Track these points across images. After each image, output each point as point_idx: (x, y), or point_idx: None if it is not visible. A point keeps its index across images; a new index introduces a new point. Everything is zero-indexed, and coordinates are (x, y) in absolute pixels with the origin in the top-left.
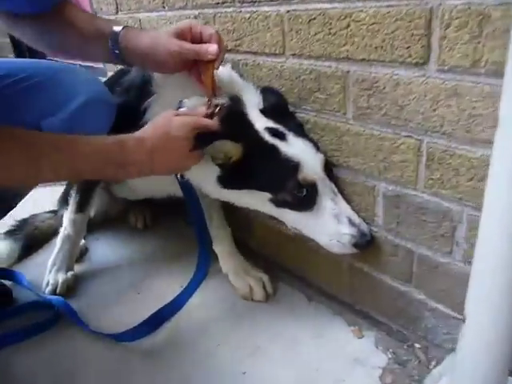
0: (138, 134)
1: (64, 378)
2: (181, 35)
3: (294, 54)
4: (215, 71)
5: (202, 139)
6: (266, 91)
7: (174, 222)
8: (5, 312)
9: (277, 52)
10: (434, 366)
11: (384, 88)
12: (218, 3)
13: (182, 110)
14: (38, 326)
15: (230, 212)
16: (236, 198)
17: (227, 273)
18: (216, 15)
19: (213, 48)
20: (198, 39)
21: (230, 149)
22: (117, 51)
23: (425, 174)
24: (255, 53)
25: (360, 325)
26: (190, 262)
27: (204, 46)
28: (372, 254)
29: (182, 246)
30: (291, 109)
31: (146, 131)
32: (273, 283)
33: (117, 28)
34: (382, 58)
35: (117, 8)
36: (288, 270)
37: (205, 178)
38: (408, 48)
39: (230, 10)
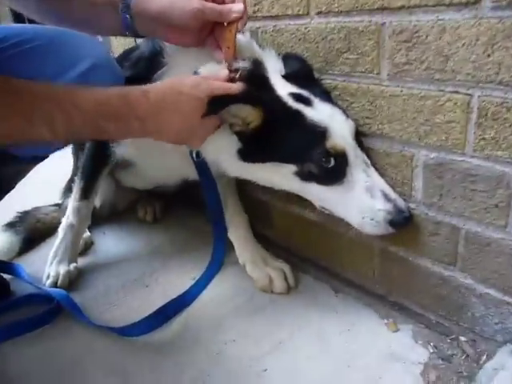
0: (144, 86)
1: (64, 375)
2: None
3: (319, 13)
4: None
5: (216, 102)
6: (288, 57)
7: (185, 215)
8: (1, 305)
9: (300, 12)
10: (485, 361)
11: (427, 37)
12: None
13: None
14: (36, 319)
15: (247, 200)
16: (258, 173)
17: (244, 263)
18: None
19: (239, 6)
20: (220, 1)
21: (249, 113)
22: (128, 16)
23: (475, 135)
24: (276, 17)
25: (394, 317)
26: (203, 255)
27: (227, 6)
28: (409, 234)
29: (194, 238)
30: (316, 75)
31: (154, 85)
32: (295, 274)
33: None
34: (424, 2)
35: None
36: (311, 259)
37: (223, 152)
38: None
39: None
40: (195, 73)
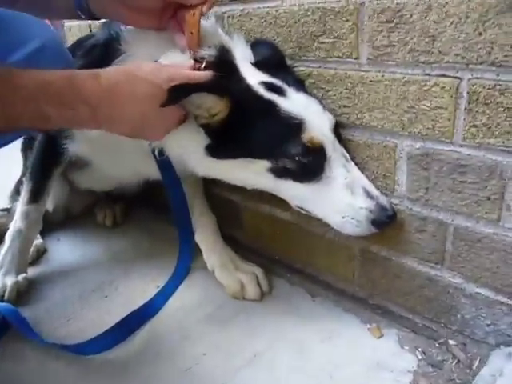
0: (94, 69)
1: None
2: None
3: None
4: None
5: (176, 91)
6: (258, 44)
7: (148, 218)
8: None
9: None
10: (478, 366)
11: (411, 16)
12: None
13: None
14: None
15: (214, 199)
16: (228, 171)
17: (213, 268)
18: None
19: None
20: None
21: (213, 104)
22: None
23: (465, 122)
24: (243, 0)
25: (378, 322)
26: (167, 260)
27: None
28: (391, 232)
29: (158, 243)
30: (289, 62)
31: (107, 69)
32: (268, 278)
33: None
34: None
35: None
36: (285, 262)
37: (190, 148)
38: None
39: None
40: (156, 62)
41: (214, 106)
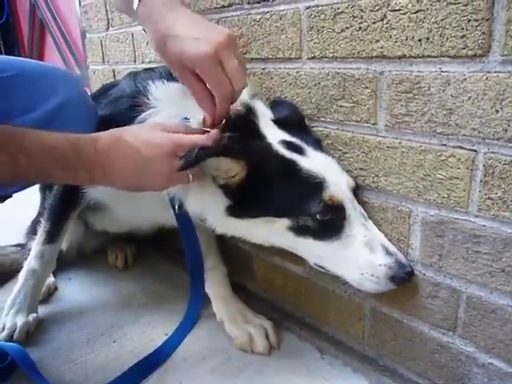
0: (97, 133)
1: None
2: None
3: (313, 57)
4: None
5: (190, 158)
6: (277, 103)
7: (160, 261)
8: None
9: (292, 56)
10: None
11: (429, 89)
12: (224, 6)
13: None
14: None
15: (227, 248)
16: (248, 230)
17: (222, 320)
18: (220, 20)
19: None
20: None
21: (230, 166)
22: None
23: (480, 194)
24: (265, 59)
25: None
26: (177, 308)
27: None
28: (404, 295)
29: (168, 288)
30: (307, 122)
31: (106, 132)
32: (277, 332)
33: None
34: (427, 52)
35: (108, 24)
36: (295, 316)
37: (210, 207)
38: (462, 37)
39: (238, 13)
40: (185, 119)
41: (230, 169)
